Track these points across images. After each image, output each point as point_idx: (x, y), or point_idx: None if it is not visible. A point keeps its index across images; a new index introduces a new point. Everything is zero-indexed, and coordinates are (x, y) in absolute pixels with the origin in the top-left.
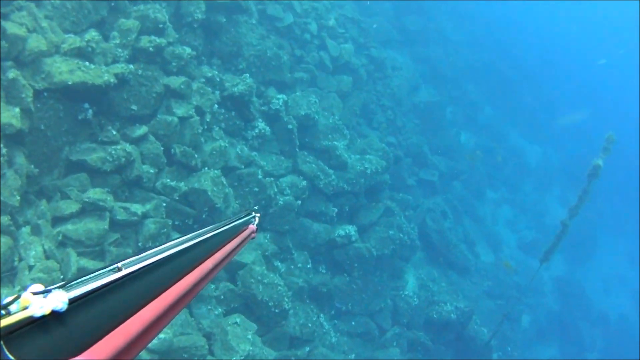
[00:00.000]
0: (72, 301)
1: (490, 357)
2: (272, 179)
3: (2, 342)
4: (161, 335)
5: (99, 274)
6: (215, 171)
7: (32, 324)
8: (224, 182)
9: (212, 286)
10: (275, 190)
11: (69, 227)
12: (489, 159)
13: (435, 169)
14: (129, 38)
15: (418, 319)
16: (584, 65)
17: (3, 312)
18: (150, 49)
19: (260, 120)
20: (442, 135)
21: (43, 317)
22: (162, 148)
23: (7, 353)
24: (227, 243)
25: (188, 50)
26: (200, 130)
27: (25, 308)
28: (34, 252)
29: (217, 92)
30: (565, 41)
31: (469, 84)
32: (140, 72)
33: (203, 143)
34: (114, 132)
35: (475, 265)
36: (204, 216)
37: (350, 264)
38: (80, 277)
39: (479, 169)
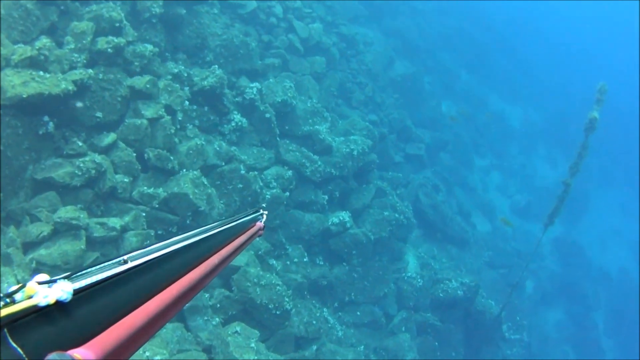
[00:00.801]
0: (76, 292)
1: (500, 329)
2: (256, 172)
3: (5, 330)
4: (156, 357)
5: (105, 265)
6: (195, 172)
7: (36, 313)
8: (205, 183)
9: (206, 295)
10: (261, 184)
11: (42, 252)
12: (471, 126)
13: (420, 142)
14: (84, 41)
15: (424, 300)
16: (556, 21)
17: (8, 300)
18: (109, 50)
19: (235, 112)
20: (423, 107)
21: (47, 306)
22: (135, 154)
23: (11, 341)
24: (234, 240)
25: (150, 47)
26: (172, 131)
27: (30, 297)
28: (6, 285)
29: (187, 88)
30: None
31: (442, 53)
32: (101, 76)
33: (178, 144)
34: (80, 144)
35: (473, 237)
36: (188, 221)
37: (348, 252)
38: (86, 269)
39: (463, 137)
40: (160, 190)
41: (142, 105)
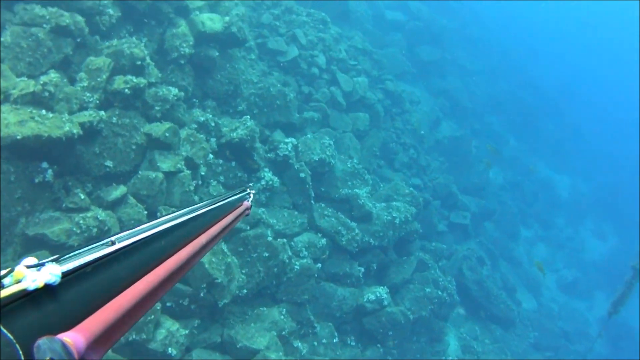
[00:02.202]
0: (65, 274)
1: None
2: (285, 239)
3: None
4: None
5: (92, 247)
6: None
7: (25, 297)
8: (225, 250)
9: None
10: (290, 253)
11: None
12: (518, 194)
13: (466, 210)
14: (99, 79)
15: None
16: (605, 87)
17: None
18: (126, 91)
19: (266, 169)
20: (470, 172)
21: (36, 290)
22: (146, 212)
23: (1, 327)
24: (222, 219)
25: (174, 91)
26: (192, 187)
27: (19, 281)
28: None
29: (213, 140)
30: (583, 64)
31: (490, 116)
32: (115, 119)
33: (197, 202)
34: (82, 196)
35: (519, 315)
36: (202, 294)
37: (383, 333)
38: (74, 251)
39: (509, 207)
40: None
41: (159, 156)
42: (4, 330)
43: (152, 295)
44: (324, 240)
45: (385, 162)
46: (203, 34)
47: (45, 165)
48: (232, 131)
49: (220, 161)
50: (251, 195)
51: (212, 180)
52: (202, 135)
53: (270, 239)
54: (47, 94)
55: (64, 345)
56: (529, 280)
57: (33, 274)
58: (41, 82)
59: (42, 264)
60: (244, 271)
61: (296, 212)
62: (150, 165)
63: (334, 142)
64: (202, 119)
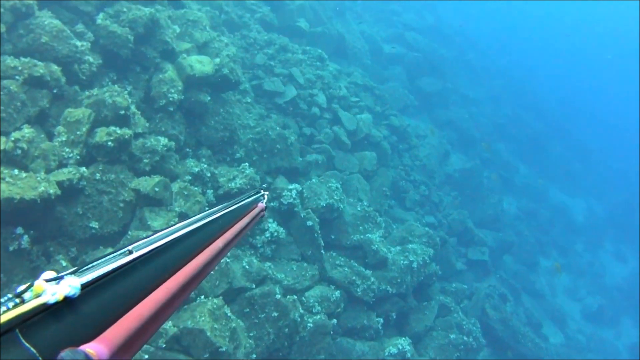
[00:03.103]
0: (84, 286)
1: None
2: (295, 296)
3: (17, 331)
4: None
5: (110, 257)
6: (215, 300)
7: (46, 311)
8: (229, 314)
9: None
10: (301, 310)
11: None
12: (533, 223)
13: (483, 245)
14: (78, 132)
15: None
16: (607, 99)
17: (17, 300)
18: (110, 143)
19: (270, 220)
20: (483, 204)
21: (56, 303)
22: None
23: (24, 341)
24: (237, 222)
25: (164, 141)
26: None
27: (39, 295)
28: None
29: (210, 191)
30: (582, 77)
31: (498, 143)
32: (98, 176)
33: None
34: (64, 263)
35: (547, 353)
36: None
37: None
38: (92, 262)
39: (527, 237)
40: (170, 324)
41: (149, 213)
42: (27, 345)
43: (172, 302)
44: (337, 293)
45: (396, 202)
46: (192, 78)
47: (20, 230)
48: (230, 181)
49: None
50: (265, 196)
51: None
52: (196, 188)
53: (278, 296)
54: (19, 151)
55: (87, 357)
56: (553, 313)
57: (52, 288)
58: (12, 139)
59: (61, 277)
60: (251, 334)
61: (305, 264)
62: (140, 224)
63: (341, 185)
64: (197, 169)
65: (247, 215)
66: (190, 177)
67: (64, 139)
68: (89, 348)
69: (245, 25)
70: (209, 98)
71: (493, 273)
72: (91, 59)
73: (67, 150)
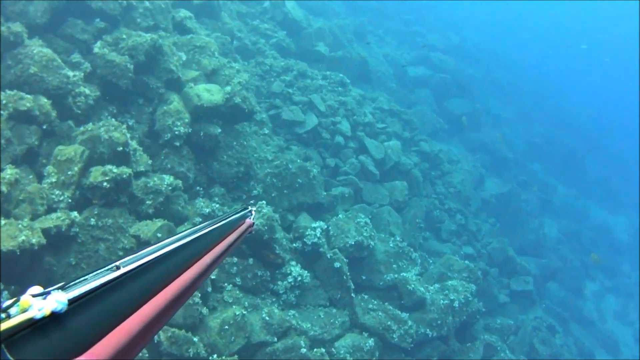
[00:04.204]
0: (71, 301)
1: None
2: (323, 348)
3: (3, 346)
4: None
5: (98, 273)
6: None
7: (33, 326)
8: None
9: None
10: None
11: None
12: (576, 244)
13: (527, 274)
14: (69, 172)
15: None
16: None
17: (3, 315)
18: (106, 184)
19: (293, 263)
20: (523, 229)
21: (43, 318)
22: None
23: (10, 357)
24: (225, 238)
25: (169, 179)
26: (197, 299)
27: (25, 310)
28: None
29: None
30: (612, 89)
31: (534, 164)
32: (93, 221)
33: (207, 315)
34: None
35: None
36: None
37: None
38: (79, 278)
39: (571, 261)
40: None
41: None
42: None
43: (160, 318)
44: (371, 341)
45: (431, 233)
46: (200, 109)
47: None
48: None
49: (235, 259)
50: (253, 212)
51: (226, 284)
52: None
53: (304, 350)
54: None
55: None
56: (605, 340)
57: (39, 303)
58: None
59: (48, 292)
60: None
61: (334, 310)
62: None
63: (370, 220)
64: (207, 210)
65: (235, 231)
66: (200, 219)
67: (53, 180)
68: None
69: (260, 51)
70: (219, 130)
71: (538, 303)
72: (87, 91)
73: (57, 192)
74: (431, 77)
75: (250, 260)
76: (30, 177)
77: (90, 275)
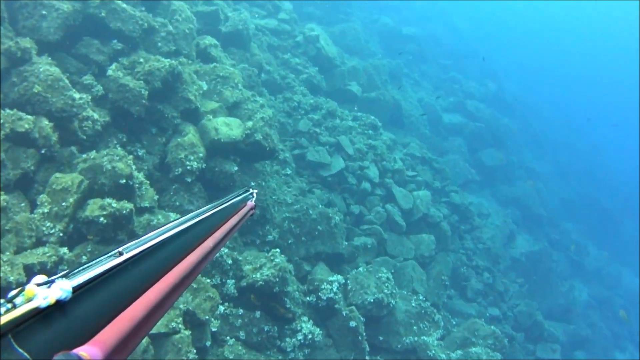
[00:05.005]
0: (75, 289)
1: None
2: None
3: (10, 337)
4: None
5: (101, 260)
6: None
7: (38, 315)
8: None
9: None
10: None
11: None
12: (607, 313)
13: (554, 341)
14: (64, 203)
15: None
16: None
17: (9, 305)
18: (102, 219)
19: (304, 319)
20: (552, 292)
21: (48, 307)
22: None
23: (17, 347)
24: (227, 221)
25: (175, 218)
26: (192, 355)
27: (30, 300)
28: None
29: (231, 282)
30: None
31: (567, 223)
32: (85, 259)
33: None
34: None
35: None
36: None
37: None
38: (82, 265)
39: (601, 329)
40: None
41: None
42: (20, 350)
43: (164, 303)
44: None
45: (456, 292)
46: (217, 144)
47: None
48: (256, 271)
49: (241, 311)
50: (254, 194)
51: (228, 338)
52: (208, 280)
53: None
54: None
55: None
56: None
57: (44, 292)
58: None
59: (52, 281)
60: None
61: None
62: None
63: (393, 275)
64: (215, 255)
65: (236, 214)
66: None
67: (46, 210)
68: (82, 351)
69: (288, 87)
70: (236, 168)
71: None
72: (96, 116)
73: (49, 224)
74: (466, 125)
75: (258, 313)
76: (22, 205)
77: (94, 262)
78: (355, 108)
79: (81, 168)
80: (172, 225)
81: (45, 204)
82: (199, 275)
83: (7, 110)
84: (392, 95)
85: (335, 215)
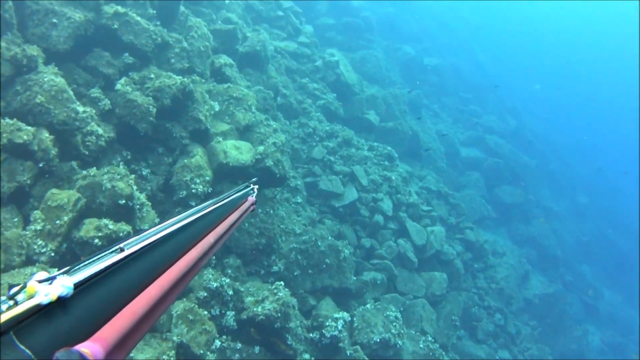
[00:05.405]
0: (77, 285)
1: None
2: None
3: (12, 334)
4: None
5: (102, 256)
6: None
7: (40, 312)
8: None
9: None
10: None
11: None
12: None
13: None
14: (58, 222)
15: None
16: None
17: (11, 302)
18: (97, 241)
19: (306, 356)
20: (565, 336)
21: (50, 304)
22: None
23: (19, 343)
24: (228, 216)
25: None
26: None
27: (32, 297)
28: None
29: (230, 314)
30: None
31: (582, 265)
32: None
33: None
34: None
35: None
36: None
37: None
38: (84, 261)
39: None
40: None
41: (134, 350)
42: (22, 347)
43: (165, 298)
44: None
45: (466, 332)
46: (225, 167)
47: None
48: (258, 304)
49: (239, 345)
50: (255, 190)
51: None
52: (205, 312)
53: None
54: None
55: (82, 356)
56: None
57: (45, 288)
58: None
59: (54, 277)
60: None
61: None
62: None
63: (402, 313)
64: (215, 284)
65: (237, 210)
66: (205, 294)
67: (38, 227)
68: (83, 347)
69: (304, 112)
70: None
71: None
72: (100, 131)
73: (40, 243)
74: (484, 160)
75: (257, 349)
76: (15, 220)
77: (95, 258)
78: (373, 138)
79: (80, 185)
80: (174, 221)
81: (39, 220)
82: (197, 306)
83: (7, 120)
84: (411, 126)
85: (345, 248)
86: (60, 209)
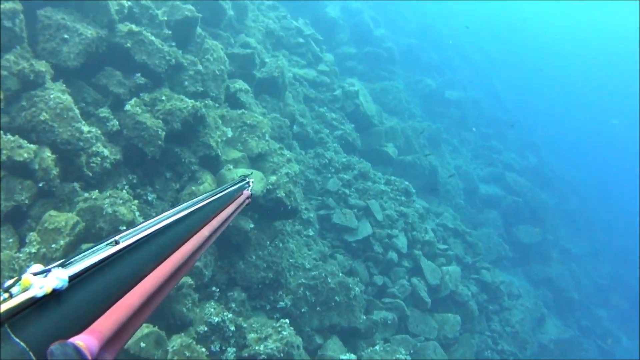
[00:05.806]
0: (72, 278)
1: None
2: None
3: (6, 327)
4: None
5: (97, 248)
6: None
7: (35, 304)
8: None
9: None
10: None
11: None
12: None
13: None
14: (53, 245)
15: None
16: None
17: (5, 295)
18: None
19: None
20: None
21: (45, 296)
22: None
23: (13, 336)
24: (223, 210)
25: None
26: None
27: (27, 289)
28: None
29: (231, 350)
30: None
31: (599, 309)
32: None
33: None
34: None
35: None
36: None
37: None
38: (79, 254)
39: None
40: None
41: None
42: (17, 340)
43: (160, 291)
44: None
45: None
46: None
47: None
48: (260, 342)
49: None
50: (250, 184)
51: None
52: (203, 349)
53: None
54: None
55: (76, 349)
56: None
57: (40, 281)
58: None
59: (49, 270)
60: None
61: None
62: None
63: (411, 356)
64: (217, 319)
65: (232, 203)
66: (205, 329)
67: (33, 250)
68: (78, 340)
69: (321, 142)
70: (252, 225)
71: None
72: (106, 152)
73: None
74: (503, 198)
75: None
76: (10, 240)
77: (90, 250)
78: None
79: (80, 208)
80: (169, 214)
81: (34, 243)
82: (195, 342)
83: (9, 136)
84: (429, 161)
85: (356, 286)
86: (57, 232)
